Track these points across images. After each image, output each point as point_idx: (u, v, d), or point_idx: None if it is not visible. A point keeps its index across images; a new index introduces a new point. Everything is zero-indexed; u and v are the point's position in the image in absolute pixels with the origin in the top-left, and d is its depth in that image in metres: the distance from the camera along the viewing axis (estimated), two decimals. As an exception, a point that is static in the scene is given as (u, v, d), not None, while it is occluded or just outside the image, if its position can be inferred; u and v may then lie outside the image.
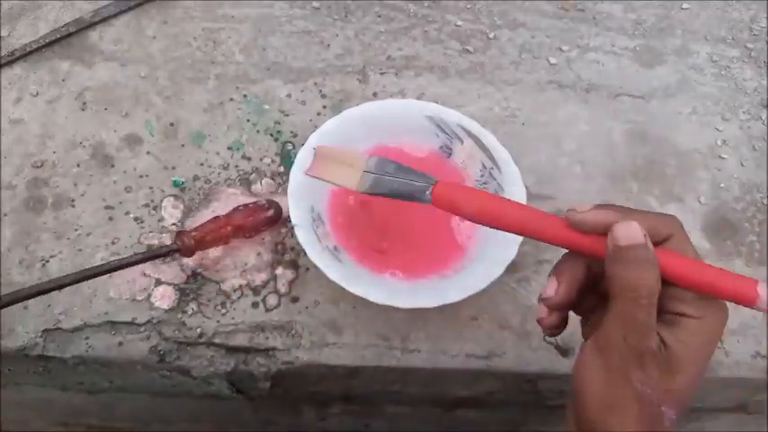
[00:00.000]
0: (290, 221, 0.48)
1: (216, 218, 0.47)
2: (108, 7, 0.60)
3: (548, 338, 0.46)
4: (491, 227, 0.34)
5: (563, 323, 0.34)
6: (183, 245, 0.46)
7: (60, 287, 0.43)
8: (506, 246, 0.47)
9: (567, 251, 0.34)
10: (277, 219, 0.49)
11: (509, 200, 0.35)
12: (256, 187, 0.52)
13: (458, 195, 0.35)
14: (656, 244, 0.31)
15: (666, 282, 0.31)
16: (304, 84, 0.58)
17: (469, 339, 0.48)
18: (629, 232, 0.30)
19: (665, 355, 0.30)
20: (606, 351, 0.31)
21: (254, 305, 0.48)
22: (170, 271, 0.48)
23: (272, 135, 0.55)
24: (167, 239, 0.49)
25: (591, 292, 0.34)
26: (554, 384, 0.50)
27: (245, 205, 0.49)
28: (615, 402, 0.31)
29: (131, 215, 0.51)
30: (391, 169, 0.38)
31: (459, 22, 0.63)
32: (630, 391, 0.30)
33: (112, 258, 0.49)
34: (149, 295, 0.48)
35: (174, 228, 0.50)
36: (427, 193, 0.36)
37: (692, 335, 0.30)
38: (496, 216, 0.34)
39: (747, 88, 0.61)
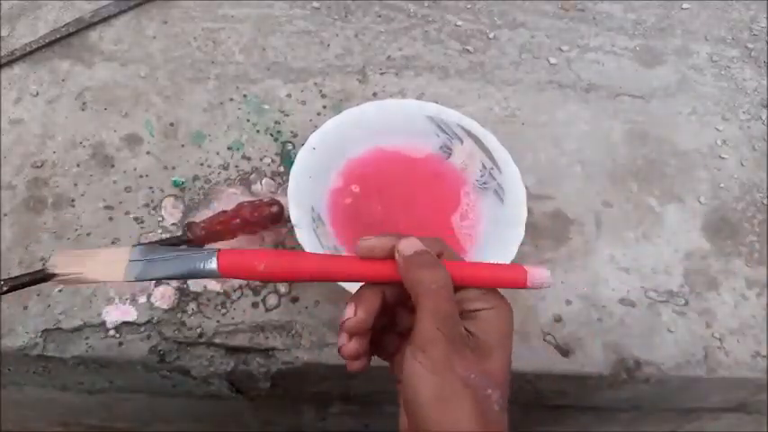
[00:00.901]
0: (290, 221, 0.48)
1: (223, 212, 0.48)
2: (108, 7, 0.60)
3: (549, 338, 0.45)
4: (285, 281, 0.37)
5: (363, 356, 0.36)
6: (195, 235, 0.46)
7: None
8: (506, 246, 0.47)
9: (362, 284, 0.37)
10: (280, 215, 0.49)
11: (298, 251, 0.37)
12: (256, 187, 0.52)
13: (247, 258, 0.35)
14: None
15: (455, 287, 0.34)
16: (304, 84, 0.58)
17: (469, 339, 0.48)
18: (411, 244, 0.35)
19: (475, 341, 0.34)
20: (426, 348, 0.33)
21: (254, 305, 0.48)
22: (170, 271, 0.48)
23: (272, 135, 0.55)
24: (167, 239, 0.50)
25: (391, 332, 0.38)
26: (554, 384, 0.50)
27: (250, 201, 0.49)
28: (447, 395, 0.32)
29: (131, 215, 0.51)
30: (162, 252, 0.35)
31: (459, 22, 0.63)
32: (457, 378, 0.32)
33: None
34: (149, 295, 0.48)
35: (173, 228, 0.50)
36: (211, 264, 0.34)
37: (490, 323, 0.35)
38: (290, 270, 0.35)
39: (747, 88, 0.61)
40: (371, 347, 0.37)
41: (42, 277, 0.39)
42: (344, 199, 0.51)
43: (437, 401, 0.32)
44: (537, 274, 0.35)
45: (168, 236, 0.50)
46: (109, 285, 0.47)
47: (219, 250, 0.34)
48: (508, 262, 0.46)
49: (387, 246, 0.35)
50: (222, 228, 0.47)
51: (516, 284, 0.35)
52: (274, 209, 0.49)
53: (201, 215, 0.51)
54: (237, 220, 0.48)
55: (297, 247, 0.49)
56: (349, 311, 0.35)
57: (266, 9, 0.62)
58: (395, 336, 0.38)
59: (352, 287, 0.44)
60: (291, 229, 0.46)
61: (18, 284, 0.41)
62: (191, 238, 0.46)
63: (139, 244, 0.37)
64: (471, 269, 0.36)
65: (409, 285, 0.34)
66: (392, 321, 0.38)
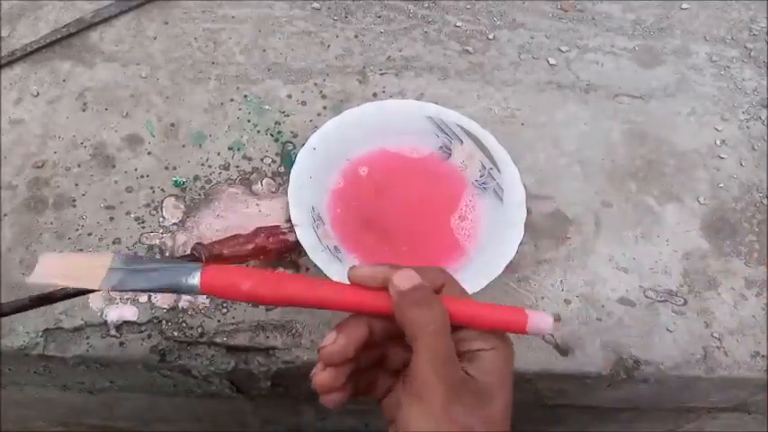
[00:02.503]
0: (290, 221, 0.48)
1: (236, 236, 0.47)
2: (109, 7, 0.61)
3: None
4: (272, 304, 0.34)
5: (339, 391, 0.33)
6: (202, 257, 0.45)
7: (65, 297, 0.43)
8: (506, 246, 0.47)
9: (349, 315, 0.34)
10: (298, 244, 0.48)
11: (285, 273, 0.35)
12: (257, 187, 0.53)
13: (231, 277, 0.33)
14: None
15: (453, 326, 0.32)
16: (304, 84, 0.58)
17: (469, 339, 0.48)
18: (408, 277, 0.32)
19: (475, 384, 0.32)
20: (422, 393, 0.31)
21: (255, 305, 0.48)
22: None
23: (272, 135, 0.55)
24: (168, 240, 0.50)
25: (381, 370, 0.35)
26: (553, 384, 0.50)
27: (267, 228, 0.48)
28: None
29: (132, 215, 0.51)
30: (145, 263, 0.34)
31: (459, 23, 0.63)
32: (457, 426, 0.30)
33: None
34: (150, 295, 0.48)
35: (174, 228, 0.50)
36: (193, 279, 0.32)
37: (490, 363, 0.33)
38: (275, 293, 0.33)
39: (747, 88, 0.61)
40: (360, 386, 0.35)
41: (24, 305, 0.39)
42: (345, 198, 0.51)
43: None
44: (538, 319, 0.33)
45: (169, 236, 0.50)
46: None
47: (204, 266, 0.33)
48: (507, 262, 0.46)
49: (380, 276, 0.33)
50: (230, 253, 0.46)
51: (516, 329, 0.33)
52: (293, 237, 0.47)
53: (202, 215, 0.51)
54: (251, 247, 0.46)
55: (299, 245, 0.49)
56: (329, 338, 0.33)
57: (266, 10, 0.62)
58: (386, 374, 0.35)
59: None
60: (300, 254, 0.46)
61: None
62: (198, 259, 0.46)
63: (119, 253, 0.35)
64: (471, 308, 0.33)
65: (403, 323, 0.32)
66: (383, 358, 0.35)
